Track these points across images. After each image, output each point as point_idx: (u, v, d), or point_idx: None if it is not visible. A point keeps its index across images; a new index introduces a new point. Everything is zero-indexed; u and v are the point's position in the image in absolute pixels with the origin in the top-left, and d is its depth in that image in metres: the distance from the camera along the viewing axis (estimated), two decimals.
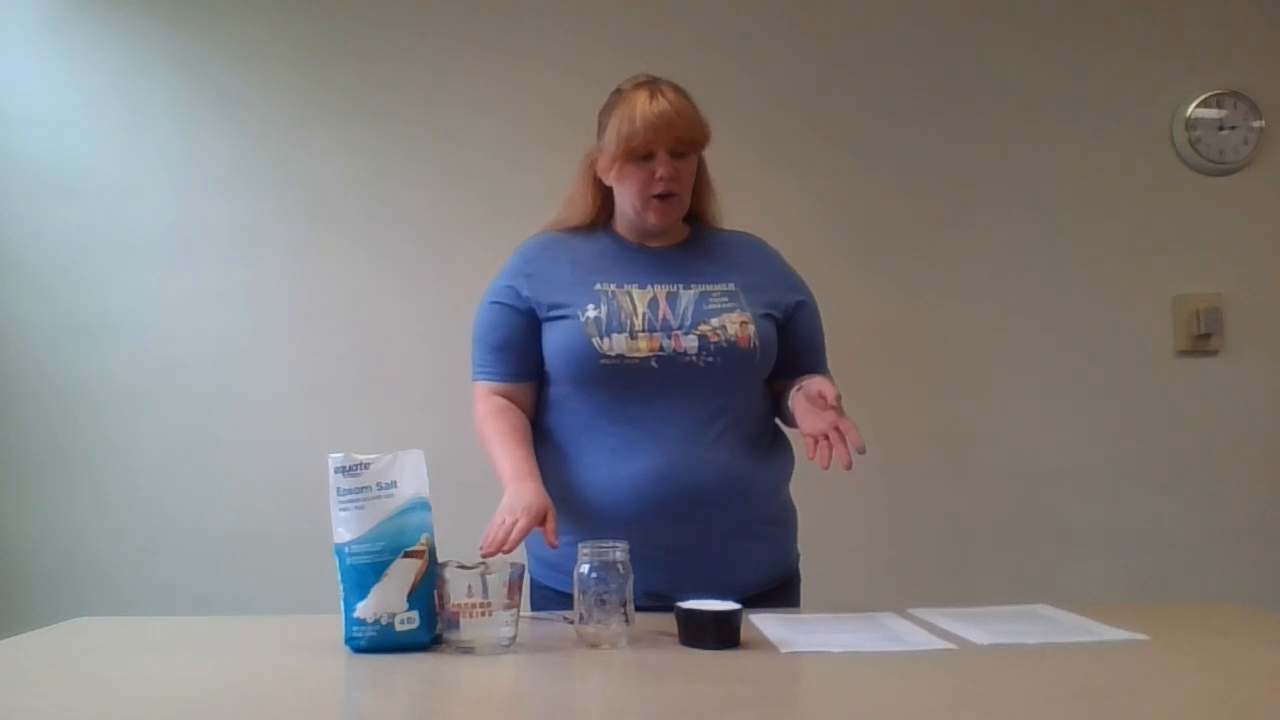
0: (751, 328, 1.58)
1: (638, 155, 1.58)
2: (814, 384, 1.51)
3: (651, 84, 1.61)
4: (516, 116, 2.62)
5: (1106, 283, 2.67)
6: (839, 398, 1.47)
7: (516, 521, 1.43)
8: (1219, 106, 2.68)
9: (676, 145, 1.58)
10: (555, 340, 1.59)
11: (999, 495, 2.62)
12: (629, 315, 1.56)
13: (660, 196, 1.60)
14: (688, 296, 1.60)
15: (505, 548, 1.41)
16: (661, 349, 1.54)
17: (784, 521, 1.70)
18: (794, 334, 1.68)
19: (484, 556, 1.38)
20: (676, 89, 1.61)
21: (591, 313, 1.56)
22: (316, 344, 2.59)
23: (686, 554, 1.53)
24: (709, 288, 1.61)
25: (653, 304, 1.58)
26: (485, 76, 2.63)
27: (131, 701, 1.09)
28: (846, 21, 2.69)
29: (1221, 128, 2.68)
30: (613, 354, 1.54)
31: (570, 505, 1.59)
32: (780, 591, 1.65)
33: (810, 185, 2.65)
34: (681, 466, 1.53)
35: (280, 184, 2.61)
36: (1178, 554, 2.61)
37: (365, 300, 2.60)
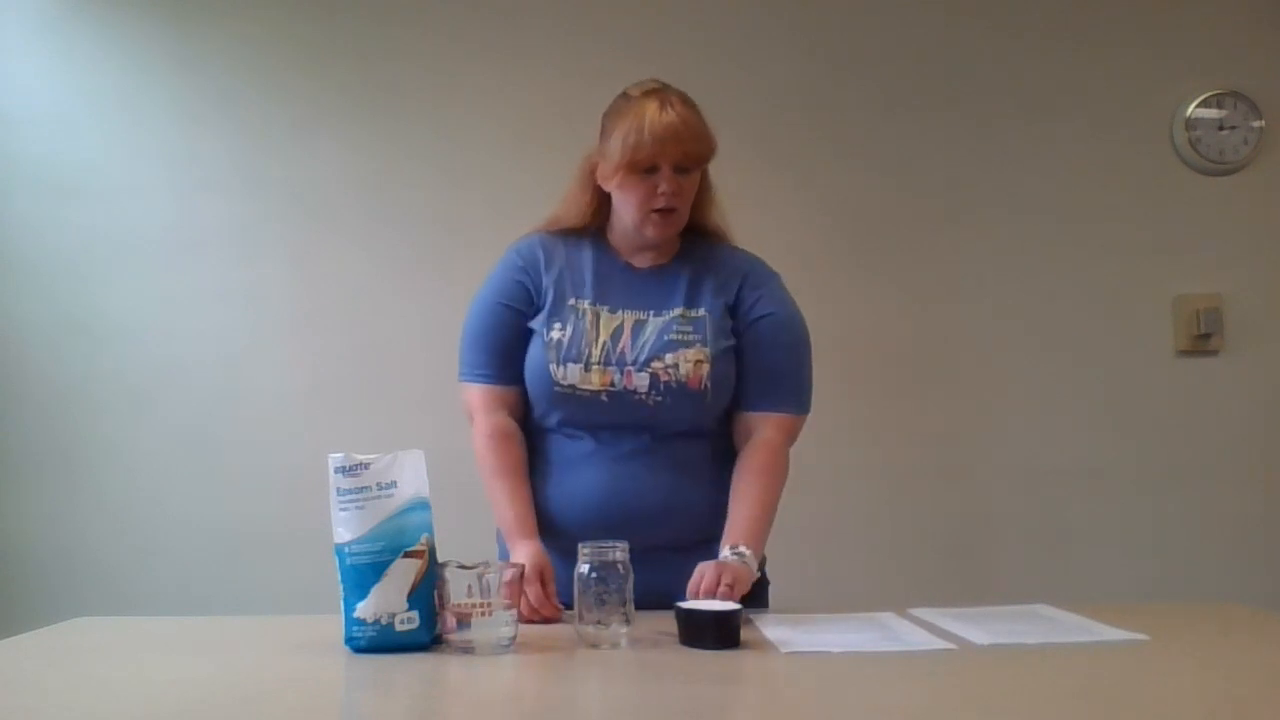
0: (705, 368, 1.57)
1: (642, 167, 1.55)
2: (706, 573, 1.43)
3: (661, 93, 1.57)
4: (516, 117, 2.62)
5: (1106, 283, 2.67)
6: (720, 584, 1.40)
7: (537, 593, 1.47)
8: (1219, 106, 2.68)
9: (683, 160, 1.56)
10: (528, 357, 1.63)
11: (999, 495, 2.62)
12: (589, 344, 1.58)
13: (660, 211, 1.58)
14: (653, 325, 1.59)
15: (547, 614, 1.46)
16: (613, 384, 1.57)
17: None
18: (746, 351, 1.63)
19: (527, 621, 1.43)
20: (685, 100, 1.58)
21: (556, 334, 1.59)
22: (316, 344, 2.59)
23: (635, 565, 1.40)
24: (680, 312, 1.60)
25: (617, 333, 1.59)
26: (485, 76, 2.63)
27: (131, 701, 1.09)
28: (846, 21, 2.68)
29: (1221, 128, 2.68)
30: (565, 383, 1.57)
31: (537, 506, 1.62)
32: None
33: (810, 185, 2.65)
34: (627, 486, 1.57)
35: (280, 184, 2.61)
36: (1178, 554, 2.61)
37: (365, 300, 2.59)
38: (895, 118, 2.67)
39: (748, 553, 1.50)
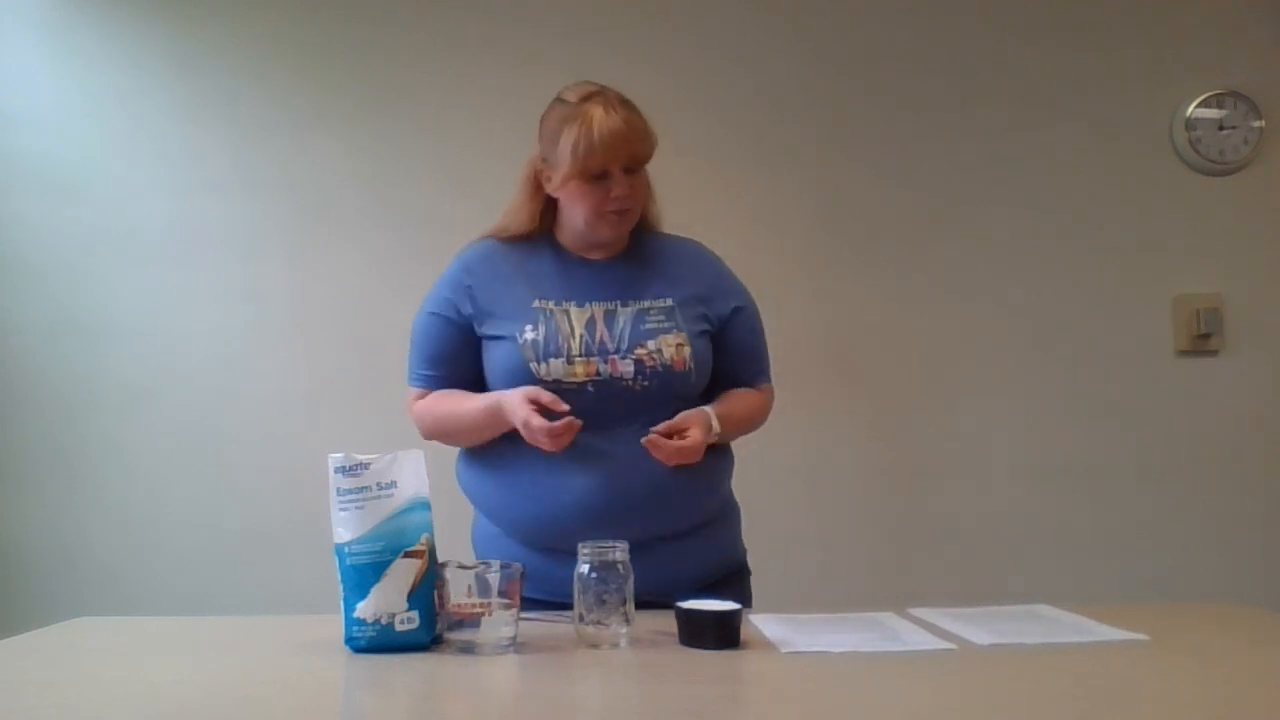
0: (687, 350, 1.60)
1: (593, 174, 1.57)
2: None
3: (600, 95, 1.59)
4: (516, 117, 2.58)
5: (1106, 283, 2.67)
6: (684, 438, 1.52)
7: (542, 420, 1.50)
8: (1219, 106, 2.68)
9: (632, 163, 1.59)
10: (495, 362, 1.62)
11: (999, 495, 2.62)
12: (566, 338, 1.58)
13: (615, 211, 1.60)
14: (625, 315, 1.61)
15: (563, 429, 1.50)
16: (598, 374, 1.56)
17: (722, 518, 1.70)
18: (728, 342, 1.69)
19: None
20: (624, 100, 1.60)
21: (530, 334, 1.58)
22: (316, 344, 2.59)
23: (634, 559, 1.42)
24: (647, 305, 1.62)
25: (590, 325, 1.59)
26: (485, 77, 2.63)
27: (131, 701, 1.09)
28: (844, 21, 2.68)
29: (1221, 128, 2.68)
30: (550, 379, 1.56)
31: (516, 515, 1.60)
32: (724, 584, 1.63)
33: (809, 185, 2.64)
34: (619, 480, 1.54)
35: (280, 184, 2.61)
36: (1178, 554, 2.61)
37: (365, 300, 2.59)
38: (895, 118, 2.67)
39: (710, 411, 1.59)
